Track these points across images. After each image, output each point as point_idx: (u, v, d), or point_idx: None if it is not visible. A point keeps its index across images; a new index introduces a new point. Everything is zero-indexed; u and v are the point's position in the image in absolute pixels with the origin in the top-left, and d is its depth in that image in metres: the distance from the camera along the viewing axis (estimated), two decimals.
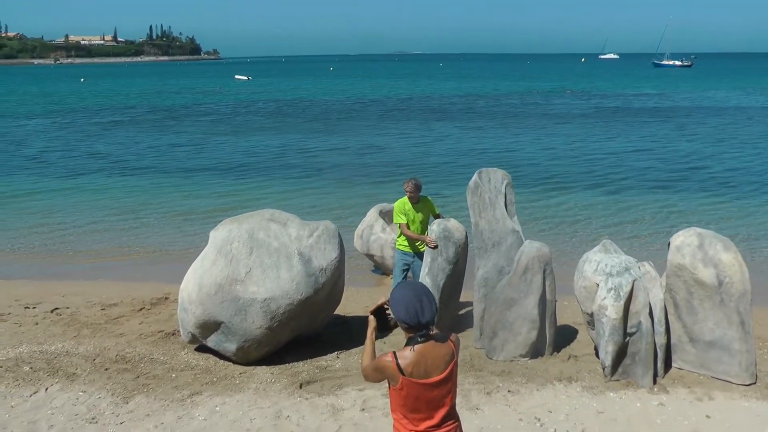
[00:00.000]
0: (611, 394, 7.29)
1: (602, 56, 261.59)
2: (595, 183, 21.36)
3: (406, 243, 9.55)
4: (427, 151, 28.90)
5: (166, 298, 10.89)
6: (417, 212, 9.47)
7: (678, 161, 25.56)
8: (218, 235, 8.49)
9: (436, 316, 3.90)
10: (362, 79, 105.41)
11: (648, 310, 7.49)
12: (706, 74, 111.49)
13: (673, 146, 29.43)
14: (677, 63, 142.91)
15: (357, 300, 10.52)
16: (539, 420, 6.74)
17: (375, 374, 4.01)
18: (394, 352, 3.90)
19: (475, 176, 8.83)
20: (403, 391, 3.87)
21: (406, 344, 3.93)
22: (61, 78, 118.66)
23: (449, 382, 3.94)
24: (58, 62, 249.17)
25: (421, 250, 9.41)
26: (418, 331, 3.86)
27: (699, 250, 7.57)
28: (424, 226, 9.51)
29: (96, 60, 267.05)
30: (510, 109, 48.72)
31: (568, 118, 41.68)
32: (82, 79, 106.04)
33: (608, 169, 23.84)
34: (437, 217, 9.58)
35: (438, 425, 3.95)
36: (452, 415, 4.03)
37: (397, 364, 3.84)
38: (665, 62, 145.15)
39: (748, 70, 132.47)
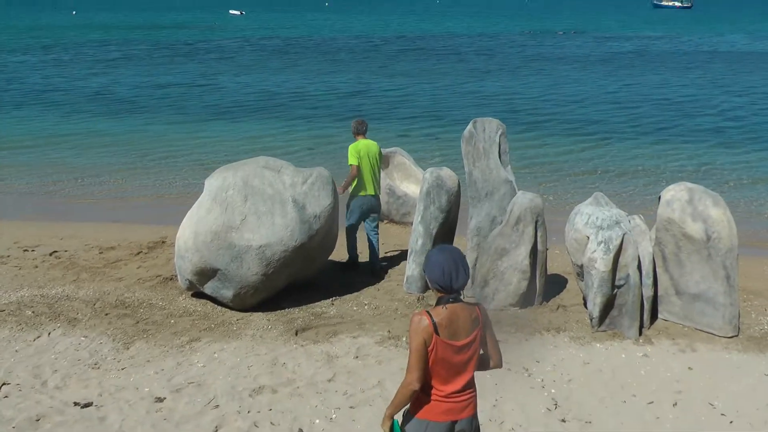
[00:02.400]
0: (598, 344, 7.48)
1: None
2: (595, 131, 21.22)
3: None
4: (436, 95, 28.45)
5: (163, 242, 10.98)
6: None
7: (682, 110, 25.17)
8: (213, 182, 8.56)
9: (466, 283, 4.00)
10: (365, 16, 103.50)
11: (637, 263, 7.63)
12: (710, 17, 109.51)
13: (682, 92, 29.05)
14: (677, 4, 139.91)
15: None
16: (527, 370, 6.94)
17: (415, 347, 3.87)
18: (427, 311, 3.96)
19: (469, 126, 8.87)
20: (432, 352, 3.91)
21: (437, 304, 4.00)
22: (48, 9, 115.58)
23: (473, 347, 4.00)
24: None
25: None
26: (449, 294, 3.96)
27: (689, 204, 7.67)
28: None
29: None
30: (519, 51, 47.60)
31: (574, 62, 40.74)
32: (73, 12, 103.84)
33: (610, 116, 23.65)
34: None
35: (460, 391, 4.02)
36: (472, 384, 4.11)
37: (432, 322, 3.89)
38: (665, 2, 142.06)
39: (748, 13, 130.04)
